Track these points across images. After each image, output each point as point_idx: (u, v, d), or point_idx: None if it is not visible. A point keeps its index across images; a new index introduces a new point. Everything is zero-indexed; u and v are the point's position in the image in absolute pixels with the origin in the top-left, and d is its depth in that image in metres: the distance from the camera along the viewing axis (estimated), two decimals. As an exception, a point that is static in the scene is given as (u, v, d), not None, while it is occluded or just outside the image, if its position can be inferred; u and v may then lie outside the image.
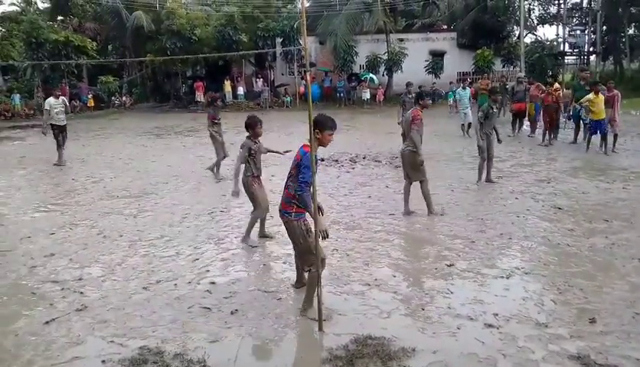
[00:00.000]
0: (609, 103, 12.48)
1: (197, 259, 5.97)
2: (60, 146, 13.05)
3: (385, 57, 32.66)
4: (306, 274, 4.62)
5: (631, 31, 46.32)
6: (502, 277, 5.23)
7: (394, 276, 5.31)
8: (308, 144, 4.30)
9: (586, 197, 8.44)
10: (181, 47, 30.19)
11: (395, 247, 6.31)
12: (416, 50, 33.42)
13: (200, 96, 31.62)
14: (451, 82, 28.00)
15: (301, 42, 32.94)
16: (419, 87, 15.20)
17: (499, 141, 9.52)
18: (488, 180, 9.53)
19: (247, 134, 6.41)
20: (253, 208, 6.50)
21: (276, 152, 7.10)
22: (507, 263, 5.62)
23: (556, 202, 8.08)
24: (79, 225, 7.56)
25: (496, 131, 9.36)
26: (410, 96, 13.39)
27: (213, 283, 5.25)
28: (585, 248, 6.02)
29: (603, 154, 12.28)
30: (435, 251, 6.04)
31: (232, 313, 4.56)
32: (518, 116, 16.34)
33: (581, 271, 5.36)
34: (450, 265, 5.55)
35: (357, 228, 6.99)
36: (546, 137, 14.46)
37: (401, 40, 33.95)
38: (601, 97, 12.43)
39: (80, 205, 8.85)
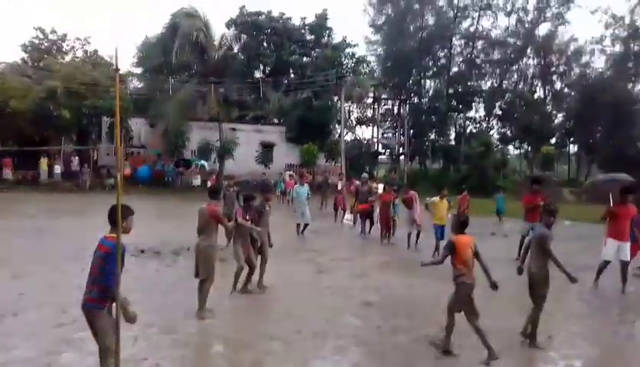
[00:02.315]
0: (409, 204, 14.03)
1: None
2: None
3: (217, 145, 33.15)
4: None
5: (432, 136, 53.87)
6: (314, 381, 5.34)
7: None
8: (111, 235, 4.33)
9: (392, 293, 9.19)
10: (-9, 118, 27.14)
11: (212, 353, 6.09)
12: (248, 140, 34.62)
13: (8, 173, 28.28)
14: (281, 174, 29.29)
15: (130, 123, 31.99)
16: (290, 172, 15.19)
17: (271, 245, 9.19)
18: (260, 285, 8.86)
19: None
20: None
21: None
22: (320, 366, 5.76)
23: (367, 298, 8.64)
24: None
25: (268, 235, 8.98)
26: (232, 189, 13.34)
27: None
28: (390, 345, 6.47)
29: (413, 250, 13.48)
30: (253, 357, 5.95)
31: None
32: (366, 216, 15.99)
33: (385, 371, 5.72)
34: (264, 372, 5.51)
35: (171, 332, 6.62)
36: (384, 235, 14.82)
37: (233, 129, 34.95)
38: (445, 202, 12.97)
39: None
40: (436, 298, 8.89)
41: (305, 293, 8.88)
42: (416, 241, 13.84)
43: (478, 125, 54.43)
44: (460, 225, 6.11)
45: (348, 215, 18.88)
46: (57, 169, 29.99)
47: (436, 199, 13.11)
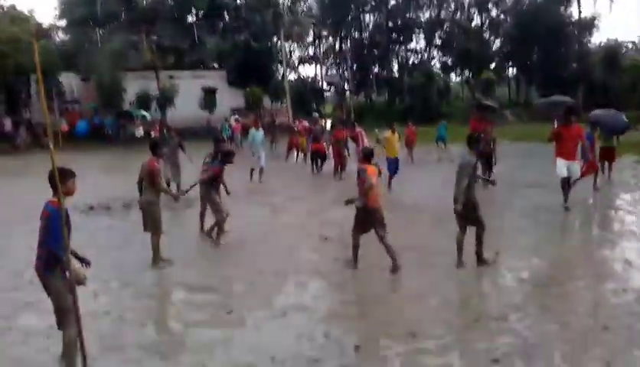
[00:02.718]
0: (356, 140, 14.25)
1: None
2: None
3: (157, 94, 31.93)
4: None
5: (376, 70, 53.87)
6: (278, 316, 5.49)
7: (173, 334, 5.14)
8: (52, 199, 4.18)
9: (347, 226, 9.40)
10: None
11: (174, 300, 6.13)
12: (188, 86, 33.45)
13: None
14: (226, 119, 28.65)
15: (60, 79, 30.25)
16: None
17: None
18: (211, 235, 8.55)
19: None
20: None
21: None
22: (283, 301, 5.92)
23: (323, 233, 8.83)
24: None
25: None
26: (173, 141, 12.91)
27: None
28: (348, 276, 6.70)
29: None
30: (216, 299, 6.03)
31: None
32: (317, 156, 16.21)
33: (346, 299, 5.96)
34: (229, 313, 5.60)
35: (132, 285, 6.59)
36: (337, 171, 15.05)
37: (171, 77, 33.66)
38: (396, 136, 13.15)
39: None
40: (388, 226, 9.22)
41: (262, 234, 8.94)
42: None
43: (419, 56, 54.72)
44: (365, 157, 6.92)
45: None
46: (-13, 132, 28.26)
47: (388, 133, 13.26)
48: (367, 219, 6.68)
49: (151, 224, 7.25)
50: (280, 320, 5.39)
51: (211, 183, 8.25)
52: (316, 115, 18.66)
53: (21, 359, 4.69)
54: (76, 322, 4.01)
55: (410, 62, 53.89)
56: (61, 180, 4.14)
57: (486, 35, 52.02)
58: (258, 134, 15.32)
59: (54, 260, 4.18)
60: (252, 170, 14.95)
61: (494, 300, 5.82)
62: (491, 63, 49.52)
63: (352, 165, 14.47)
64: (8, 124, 28.42)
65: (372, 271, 6.83)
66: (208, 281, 6.65)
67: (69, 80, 32.39)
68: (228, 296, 6.12)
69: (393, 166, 12.90)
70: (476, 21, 53.38)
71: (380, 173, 6.89)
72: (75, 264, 4.28)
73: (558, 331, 5.01)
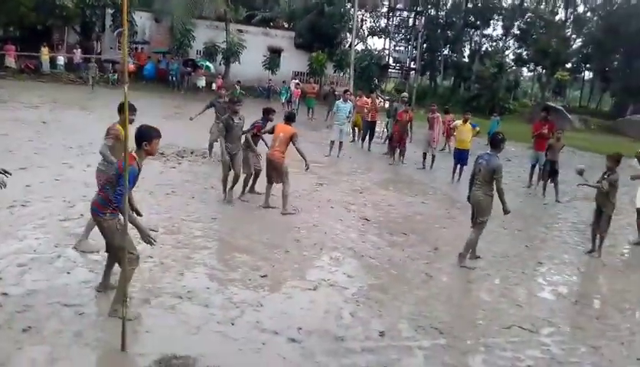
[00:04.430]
0: (431, 124, 13.94)
1: (-13, 264, 5.32)
2: None
3: (224, 46, 32.25)
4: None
5: (446, 52, 52.42)
6: (310, 289, 5.60)
7: (208, 288, 5.34)
8: (135, 155, 4.34)
9: (390, 210, 9.40)
10: (-8, 2, 26.14)
11: (213, 255, 6.34)
12: (255, 43, 33.64)
13: (11, 62, 27.71)
14: (284, 81, 28.68)
15: (134, 17, 30.92)
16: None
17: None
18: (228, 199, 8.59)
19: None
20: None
21: None
22: (316, 274, 6.02)
23: (365, 214, 8.85)
24: None
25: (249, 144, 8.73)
26: (221, 101, 12.03)
27: (4, 294, 4.73)
28: (384, 260, 6.73)
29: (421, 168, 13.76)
30: (252, 261, 6.19)
31: (24, 330, 4.17)
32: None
33: (379, 283, 5.99)
34: (263, 277, 5.76)
35: (175, 233, 6.85)
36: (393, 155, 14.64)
37: (240, 31, 33.86)
38: (468, 126, 12.64)
39: None
40: (434, 217, 9.16)
41: (305, 205, 9.04)
42: (431, 165, 13.95)
43: (493, 44, 52.81)
44: (286, 118, 8.68)
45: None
46: (60, 60, 29.38)
47: (459, 122, 12.92)
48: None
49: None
50: (311, 293, 5.50)
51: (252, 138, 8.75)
52: (405, 95, 16.88)
53: (64, 288, 4.99)
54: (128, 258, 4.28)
55: (483, 49, 52.09)
56: (147, 138, 4.39)
57: (568, 32, 49.48)
58: (346, 106, 14.70)
59: (108, 205, 4.43)
60: (331, 142, 14.50)
61: (528, 311, 5.71)
62: (567, 62, 47.31)
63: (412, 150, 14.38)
64: (78, 55, 29.39)
65: (408, 260, 6.83)
66: (247, 243, 6.82)
67: (142, 20, 33.10)
68: (263, 259, 6.26)
69: (460, 158, 12.46)
70: (560, 15, 50.87)
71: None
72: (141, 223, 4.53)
73: (588, 354, 4.90)
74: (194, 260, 6.04)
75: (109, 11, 30.84)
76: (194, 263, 5.95)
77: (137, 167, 4.34)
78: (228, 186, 8.55)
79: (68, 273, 5.33)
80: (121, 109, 5.24)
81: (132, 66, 29.08)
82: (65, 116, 16.02)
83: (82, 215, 6.70)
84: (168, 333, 4.37)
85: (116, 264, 4.70)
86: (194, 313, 4.76)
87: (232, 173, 8.45)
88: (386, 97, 33.84)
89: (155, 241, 4.60)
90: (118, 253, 4.46)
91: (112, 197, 4.34)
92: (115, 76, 28.51)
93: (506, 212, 6.70)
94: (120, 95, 4.22)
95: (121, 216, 4.29)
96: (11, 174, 4.72)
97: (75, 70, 29.08)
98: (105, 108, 16.03)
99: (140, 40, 33.27)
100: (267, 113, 8.95)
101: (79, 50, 29.72)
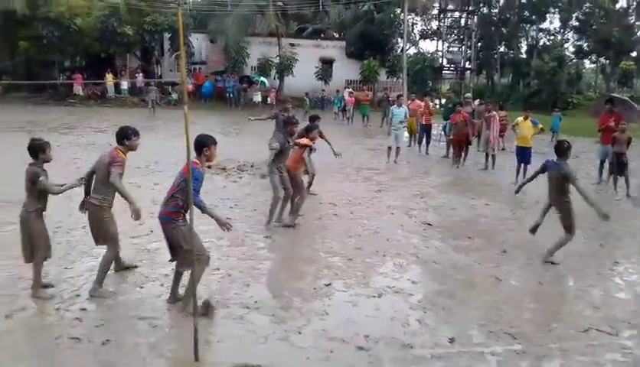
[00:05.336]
0: (489, 123, 13.60)
1: (67, 281, 5.63)
2: None
3: (277, 61, 32.87)
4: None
5: (502, 49, 51.02)
6: (374, 296, 5.55)
7: (274, 298, 5.42)
8: (197, 161, 4.79)
9: (453, 213, 9.20)
10: (59, 36, 27.92)
11: (276, 265, 6.43)
12: (307, 55, 34.07)
13: (78, 89, 29.49)
14: (337, 91, 28.81)
15: (190, 39, 32.10)
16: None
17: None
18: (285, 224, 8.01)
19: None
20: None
21: None
22: (380, 282, 5.97)
23: (427, 218, 8.71)
24: None
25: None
26: (284, 115, 10.23)
27: (83, 309, 4.99)
28: (449, 265, 6.59)
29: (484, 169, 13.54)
30: (315, 270, 6.24)
31: (103, 343, 4.38)
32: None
33: (445, 289, 5.86)
34: (328, 285, 5.77)
35: (240, 245, 7.01)
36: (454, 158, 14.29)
37: (292, 44, 34.47)
38: (528, 123, 12.11)
39: None
40: (499, 219, 8.88)
41: (365, 212, 9.02)
42: (493, 165, 13.62)
43: (551, 38, 50.98)
44: (306, 129, 8.24)
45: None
46: (124, 85, 30.93)
47: (520, 119, 12.41)
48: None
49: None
50: (376, 300, 5.45)
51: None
52: (469, 95, 16.59)
53: (138, 302, 5.22)
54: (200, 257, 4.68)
55: (541, 43, 50.30)
56: (207, 145, 4.86)
57: (631, 19, 46.94)
58: (400, 111, 14.36)
59: (179, 211, 4.79)
60: (389, 148, 14.39)
61: (605, 312, 5.42)
62: (632, 51, 44.84)
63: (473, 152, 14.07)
64: (140, 79, 30.80)
65: (474, 265, 6.65)
66: (310, 253, 6.87)
67: (198, 41, 34.33)
68: (326, 268, 6.28)
69: (522, 156, 12.02)
70: (621, 2, 48.35)
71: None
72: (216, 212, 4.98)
73: (677, 359, 4.58)
74: (259, 271, 6.14)
75: (167, 35, 32.17)
76: (259, 274, 6.05)
77: (201, 170, 4.78)
78: (283, 207, 8.02)
79: (141, 287, 5.56)
80: (119, 135, 5.64)
81: (190, 87, 30.18)
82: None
83: (152, 231, 6.96)
84: (237, 343, 4.46)
85: (184, 274, 4.96)
86: (262, 323, 4.83)
87: (283, 192, 7.88)
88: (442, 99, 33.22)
89: (231, 226, 4.99)
90: (187, 256, 4.65)
91: (183, 202, 4.70)
92: (176, 97, 29.67)
93: (604, 217, 6.30)
94: (180, 116, 4.40)
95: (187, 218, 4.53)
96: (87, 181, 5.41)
97: (138, 94, 30.51)
98: (166, 129, 16.66)
99: (198, 61, 34.50)
100: (312, 120, 9.04)
101: (140, 74, 31.18)
